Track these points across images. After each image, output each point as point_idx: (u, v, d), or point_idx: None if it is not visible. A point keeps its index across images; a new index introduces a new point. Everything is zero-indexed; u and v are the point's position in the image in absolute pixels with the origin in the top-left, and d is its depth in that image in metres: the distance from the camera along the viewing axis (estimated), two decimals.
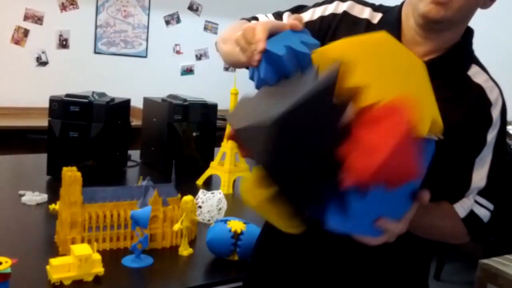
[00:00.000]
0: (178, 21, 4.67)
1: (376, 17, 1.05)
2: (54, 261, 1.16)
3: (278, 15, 1.11)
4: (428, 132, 0.72)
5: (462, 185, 1.00)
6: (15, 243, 1.37)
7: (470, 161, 0.99)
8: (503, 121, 1.00)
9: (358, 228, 0.76)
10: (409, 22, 0.99)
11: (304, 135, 0.66)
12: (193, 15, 4.74)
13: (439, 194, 1.01)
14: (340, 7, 1.07)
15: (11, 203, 1.69)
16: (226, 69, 4.95)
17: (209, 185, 2.12)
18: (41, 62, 4.08)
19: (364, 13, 1.06)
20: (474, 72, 1.00)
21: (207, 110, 2.26)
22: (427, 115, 0.72)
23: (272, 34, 0.79)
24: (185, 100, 2.21)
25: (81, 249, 1.19)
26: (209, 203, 1.66)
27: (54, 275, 1.14)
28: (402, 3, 1.03)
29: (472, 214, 1.00)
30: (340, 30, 1.05)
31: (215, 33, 4.85)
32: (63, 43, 4.15)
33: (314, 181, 0.69)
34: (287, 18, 1.08)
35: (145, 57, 4.56)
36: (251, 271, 1.21)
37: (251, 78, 0.80)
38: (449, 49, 0.99)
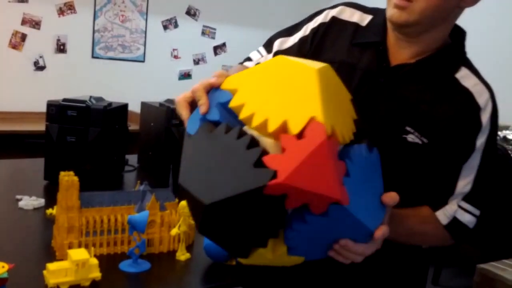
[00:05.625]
0: (176, 26, 4.68)
1: (366, 20, 1.05)
2: (51, 266, 1.15)
3: (270, 42, 1.14)
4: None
5: (446, 190, 0.98)
6: (12, 248, 1.37)
7: (457, 167, 0.96)
8: (494, 126, 0.97)
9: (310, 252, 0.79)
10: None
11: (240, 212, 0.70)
12: (191, 20, 4.75)
13: (422, 198, 1.00)
14: (329, 14, 1.07)
15: (8, 208, 1.68)
16: None
17: None
18: (39, 67, 4.08)
19: (354, 16, 1.05)
20: (462, 75, 0.97)
21: None
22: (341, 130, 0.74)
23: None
24: None
25: (78, 254, 1.18)
26: None
27: (51, 280, 1.14)
28: None
29: (455, 220, 0.97)
30: (328, 36, 1.05)
31: (213, 37, 4.86)
32: (61, 48, 4.15)
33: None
34: (278, 45, 1.11)
35: (143, 61, 4.56)
36: (248, 273, 1.21)
37: None
38: (437, 50, 0.98)
